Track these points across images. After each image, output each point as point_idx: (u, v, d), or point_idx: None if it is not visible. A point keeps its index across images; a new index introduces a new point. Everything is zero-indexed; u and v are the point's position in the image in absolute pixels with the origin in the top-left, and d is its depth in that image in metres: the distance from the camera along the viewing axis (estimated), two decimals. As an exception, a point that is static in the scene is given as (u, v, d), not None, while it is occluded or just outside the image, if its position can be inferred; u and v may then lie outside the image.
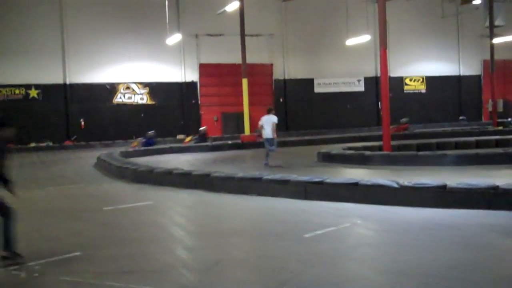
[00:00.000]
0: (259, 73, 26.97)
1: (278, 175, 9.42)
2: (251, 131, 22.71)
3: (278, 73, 28.25)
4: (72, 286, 4.71)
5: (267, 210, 8.07)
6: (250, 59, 22.97)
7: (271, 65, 28.11)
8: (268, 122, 13.89)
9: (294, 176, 9.13)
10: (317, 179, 8.69)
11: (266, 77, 28.18)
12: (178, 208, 8.85)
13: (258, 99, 25.93)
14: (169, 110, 26.82)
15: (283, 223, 7.05)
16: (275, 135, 13.99)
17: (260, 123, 14.03)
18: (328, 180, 8.59)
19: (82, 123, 25.55)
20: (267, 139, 14.00)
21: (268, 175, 9.55)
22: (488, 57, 25.11)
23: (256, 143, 21.21)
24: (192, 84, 27.28)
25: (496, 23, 23.79)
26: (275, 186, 9.09)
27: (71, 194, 10.69)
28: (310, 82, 28.90)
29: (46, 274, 5.05)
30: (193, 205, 9.16)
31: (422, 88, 30.36)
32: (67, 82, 25.42)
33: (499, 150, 14.05)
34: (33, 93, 25.25)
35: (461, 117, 29.68)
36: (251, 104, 22.77)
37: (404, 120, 23.37)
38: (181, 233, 6.86)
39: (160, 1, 24.42)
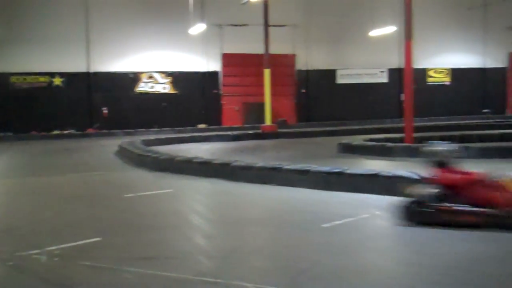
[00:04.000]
0: (281, 64, 26.89)
1: (298, 165, 9.40)
2: (272, 121, 22.69)
3: (301, 64, 28.15)
4: (91, 271, 4.76)
5: (286, 200, 8.06)
6: (273, 50, 22.91)
7: (294, 55, 28.01)
8: None
9: (314, 166, 9.09)
10: (337, 170, 8.65)
11: (289, 67, 28.10)
12: (197, 196, 8.89)
13: (280, 89, 25.88)
14: (190, 100, 26.91)
15: (302, 213, 7.03)
16: None
17: None
18: (348, 171, 8.55)
19: (105, 111, 25.78)
20: None
21: (288, 165, 9.54)
22: (514, 49, 24.83)
23: (277, 133, 21.21)
24: (214, 74, 27.33)
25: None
26: (295, 176, 9.07)
27: (92, 180, 10.80)
28: (332, 73, 28.75)
29: (66, 258, 5.11)
30: (213, 194, 9.20)
31: (446, 80, 30.04)
32: (91, 71, 25.66)
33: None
34: (57, 81, 25.53)
35: (485, 110, 29.28)
36: (273, 94, 22.74)
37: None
38: (200, 221, 6.89)
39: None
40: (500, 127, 20.36)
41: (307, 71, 28.28)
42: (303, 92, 28.19)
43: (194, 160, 11.08)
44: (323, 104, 28.31)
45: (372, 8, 26.80)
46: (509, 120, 23.99)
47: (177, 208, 7.74)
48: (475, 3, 29.12)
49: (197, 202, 8.41)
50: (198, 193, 9.14)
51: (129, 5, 25.67)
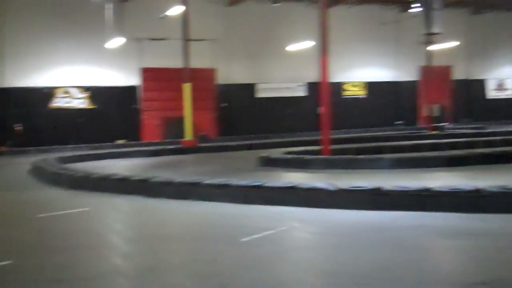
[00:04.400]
0: (202, 78, 26.83)
1: (217, 180, 9.39)
2: (193, 136, 22.58)
3: (222, 78, 28.22)
4: (-1, 296, 4.54)
5: (206, 215, 8.04)
6: (193, 64, 22.84)
7: (214, 69, 28.06)
8: None
9: (234, 181, 9.12)
10: (256, 183, 8.72)
11: (209, 82, 28.09)
12: (115, 214, 8.69)
13: (200, 104, 25.81)
14: (109, 115, 26.31)
15: (221, 228, 7.03)
16: None
17: None
18: (267, 184, 8.63)
19: (18, 128, 24.76)
20: None
21: (208, 179, 9.51)
22: (424, 63, 25.91)
23: (197, 147, 21.12)
24: (133, 89, 26.89)
25: (433, 30, 24.50)
26: (215, 190, 9.06)
27: (3, 201, 10.33)
28: (252, 87, 29.00)
29: (-28, 284, 4.85)
30: (131, 211, 9.02)
31: (361, 93, 31.00)
32: (5, 86, 24.61)
33: (433, 153, 14.47)
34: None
35: (398, 122, 30.44)
36: (193, 109, 22.64)
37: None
38: (117, 240, 6.74)
39: (102, 5, 24.01)
40: (411, 138, 21.22)
41: (228, 85, 28.39)
42: (224, 106, 28.27)
43: (112, 177, 10.83)
44: (243, 118, 28.49)
45: (290, 23, 27.43)
46: (421, 131, 25.06)
47: (94, 227, 7.53)
48: (388, 18, 30.30)
49: (114, 220, 8.22)
50: (116, 211, 8.93)
51: (45, 19, 24.87)
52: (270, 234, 6.46)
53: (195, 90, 23.07)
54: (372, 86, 31.03)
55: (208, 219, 7.71)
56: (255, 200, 8.47)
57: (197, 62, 24.38)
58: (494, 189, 7.42)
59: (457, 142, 17.91)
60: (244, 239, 6.18)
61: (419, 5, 25.57)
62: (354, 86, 30.78)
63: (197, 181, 9.46)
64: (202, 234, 6.76)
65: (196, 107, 23.62)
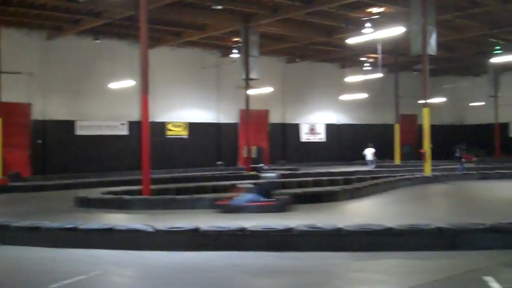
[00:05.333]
0: (15, 113, 25.15)
1: (28, 222, 8.80)
2: (4, 173, 21.00)
3: (38, 114, 26.74)
4: None
5: (12, 261, 7.45)
6: (6, 98, 21.50)
7: (30, 104, 26.55)
8: None
9: (45, 223, 8.62)
10: (69, 226, 8.32)
11: (23, 117, 26.43)
12: None
13: (13, 140, 24.17)
14: None
15: (28, 274, 6.57)
16: None
17: None
18: (81, 226, 8.28)
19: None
20: None
21: (17, 221, 8.87)
22: (243, 106, 26.97)
23: (9, 187, 19.64)
24: None
25: (251, 76, 25.71)
26: (25, 234, 8.48)
27: None
28: (71, 124, 27.84)
29: None
30: None
31: (184, 133, 31.32)
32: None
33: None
34: None
35: (219, 162, 31.19)
36: (5, 145, 21.16)
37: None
38: None
39: None
40: (231, 179, 21.82)
41: (44, 121, 26.98)
42: (39, 143, 26.74)
43: None
44: (61, 156, 27.15)
45: (112, 60, 27.00)
46: (240, 171, 25.91)
47: None
48: (209, 62, 31.18)
49: None
50: None
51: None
52: (82, 279, 6.18)
53: (7, 125, 21.61)
54: (194, 127, 31.51)
55: (16, 265, 7.16)
56: (69, 244, 8.07)
57: (11, 96, 22.96)
58: (304, 228, 7.89)
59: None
60: (52, 286, 5.83)
61: (237, 51, 26.84)
62: (177, 126, 31.02)
63: (5, 223, 8.78)
64: (6, 282, 6.25)
65: (8, 144, 22.09)
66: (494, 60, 28.33)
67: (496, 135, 35.86)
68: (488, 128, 37.15)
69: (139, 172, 15.81)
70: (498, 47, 28.10)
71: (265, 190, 12.47)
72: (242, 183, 14.59)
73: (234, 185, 14.95)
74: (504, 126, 38.47)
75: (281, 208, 12.07)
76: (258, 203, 12.15)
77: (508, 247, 7.37)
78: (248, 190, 12.55)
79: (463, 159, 24.04)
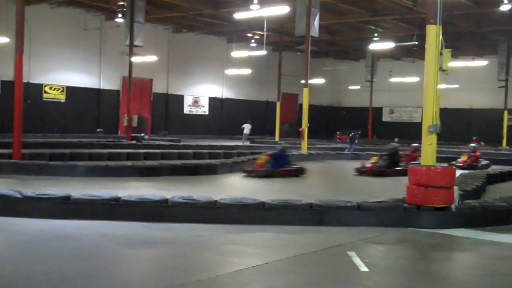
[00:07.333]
0: None
1: None
2: None
3: None
4: None
5: None
6: None
7: None
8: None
9: None
10: None
11: None
12: None
13: None
14: None
15: None
16: None
17: None
18: None
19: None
20: None
21: None
22: (126, 74, 26.26)
23: None
24: None
25: (136, 43, 25.03)
26: None
27: None
28: None
29: None
30: None
31: (62, 97, 29.97)
32: None
33: (129, 163, 14.75)
34: None
35: (98, 130, 30.24)
36: None
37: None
38: None
39: None
40: (109, 147, 21.34)
41: None
42: None
43: None
44: None
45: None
46: (120, 140, 25.33)
47: None
48: (92, 25, 29.93)
49: None
50: None
51: None
52: None
53: None
54: (73, 91, 30.22)
55: None
56: None
57: None
58: (180, 200, 7.92)
59: (152, 153, 18.58)
60: None
61: (122, 16, 25.97)
62: (54, 89, 29.61)
63: None
64: None
65: None
66: (372, 46, 29.68)
67: (370, 118, 37.84)
68: (363, 111, 39.12)
69: (11, 135, 14.96)
70: (376, 34, 29.50)
71: (283, 158, 14.77)
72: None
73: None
74: (378, 111, 40.68)
75: (301, 172, 14.77)
76: (284, 169, 14.42)
77: (372, 224, 7.87)
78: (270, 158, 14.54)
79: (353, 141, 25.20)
